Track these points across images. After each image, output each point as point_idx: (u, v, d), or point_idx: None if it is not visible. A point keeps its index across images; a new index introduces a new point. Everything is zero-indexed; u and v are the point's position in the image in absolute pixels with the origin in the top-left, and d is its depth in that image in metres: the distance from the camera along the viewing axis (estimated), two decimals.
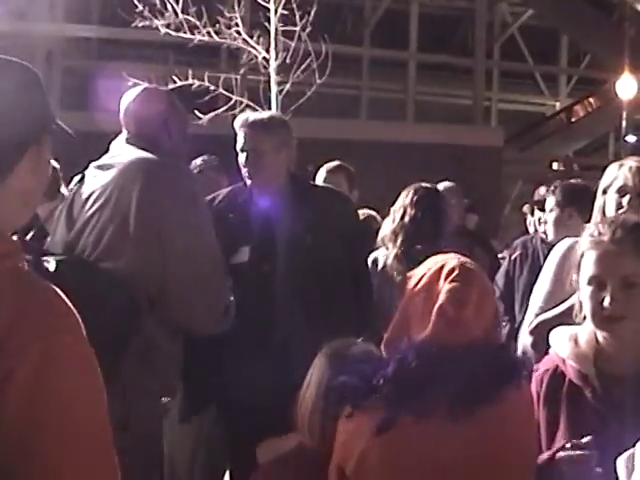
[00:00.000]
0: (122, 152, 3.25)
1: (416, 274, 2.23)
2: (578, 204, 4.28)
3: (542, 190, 5.43)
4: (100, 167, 3.26)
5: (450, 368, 2.02)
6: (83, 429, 1.30)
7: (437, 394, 2.01)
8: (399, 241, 3.93)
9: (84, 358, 1.32)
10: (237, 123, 3.62)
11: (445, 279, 2.13)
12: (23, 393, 1.24)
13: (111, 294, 2.90)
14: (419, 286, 2.17)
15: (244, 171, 3.61)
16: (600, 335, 2.19)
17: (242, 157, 3.59)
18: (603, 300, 2.11)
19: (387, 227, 4.03)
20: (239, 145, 3.61)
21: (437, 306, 2.08)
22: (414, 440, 2.01)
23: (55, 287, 1.35)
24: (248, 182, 3.64)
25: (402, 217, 3.97)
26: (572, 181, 4.64)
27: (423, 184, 4.18)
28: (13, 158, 1.40)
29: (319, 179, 4.79)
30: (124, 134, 3.32)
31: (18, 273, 1.36)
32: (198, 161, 4.75)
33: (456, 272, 2.13)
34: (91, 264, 3.04)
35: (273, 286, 3.51)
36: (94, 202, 3.14)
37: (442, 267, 2.17)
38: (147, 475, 3.11)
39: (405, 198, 4.04)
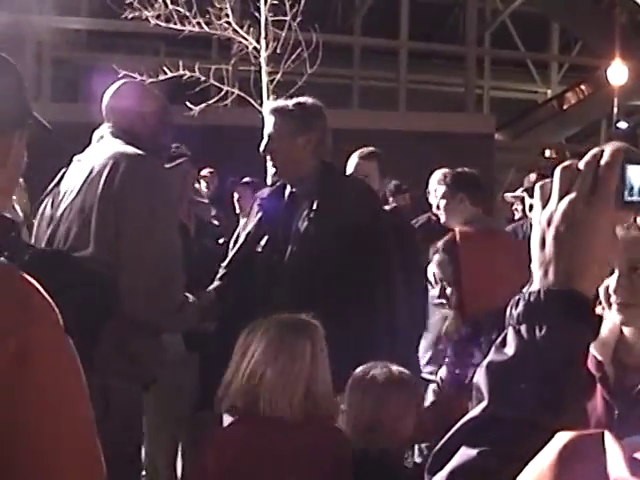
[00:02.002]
0: (101, 145, 3.29)
1: None
2: (468, 190, 4.60)
3: (532, 177, 5.44)
4: (81, 160, 3.30)
5: None
6: (65, 421, 1.28)
7: None
8: None
9: (61, 347, 1.30)
10: (264, 111, 3.57)
11: None
12: (1, 388, 1.21)
13: (81, 282, 2.93)
14: None
15: (267, 158, 3.55)
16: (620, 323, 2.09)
17: (262, 143, 3.52)
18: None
19: None
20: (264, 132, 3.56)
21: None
22: None
23: (28, 276, 1.33)
24: (272, 170, 3.56)
25: None
26: (460, 169, 4.80)
27: None
28: None
29: (350, 165, 4.58)
30: (106, 126, 3.34)
31: None
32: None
33: None
34: (62, 253, 3.08)
35: (279, 277, 3.47)
36: (68, 195, 3.19)
37: None
38: (128, 462, 3.13)
39: None
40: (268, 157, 3.52)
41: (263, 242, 3.55)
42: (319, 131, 3.52)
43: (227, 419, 2.66)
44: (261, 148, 3.52)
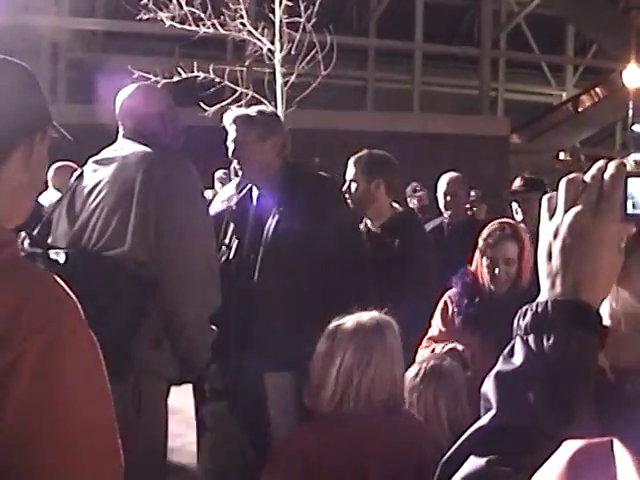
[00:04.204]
0: (122, 146, 3.30)
1: None
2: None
3: (518, 182, 5.31)
4: (100, 161, 3.31)
5: None
6: (89, 418, 1.31)
7: None
8: None
9: (86, 343, 1.34)
10: (225, 120, 3.74)
11: None
12: (29, 382, 1.24)
13: (118, 281, 2.95)
14: None
15: (234, 163, 3.72)
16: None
17: (230, 149, 3.70)
18: None
19: None
20: (228, 139, 3.71)
21: None
22: None
23: (65, 278, 1.37)
24: (239, 174, 3.77)
25: None
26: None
27: None
28: (9, 147, 1.41)
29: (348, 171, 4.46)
30: (121, 130, 3.37)
31: (16, 262, 1.37)
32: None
33: None
34: (97, 253, 3.09)
35: (256, 277, 3.60)
36: (97, 195, 3.20)
37: None
38: (154, 458, 3.15)
39: None
40: (236, 162, 3.72)
41: (237, 244, 3.72)
42: (282, 135, 3.80)
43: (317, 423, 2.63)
44: (230, 154, 3.70)
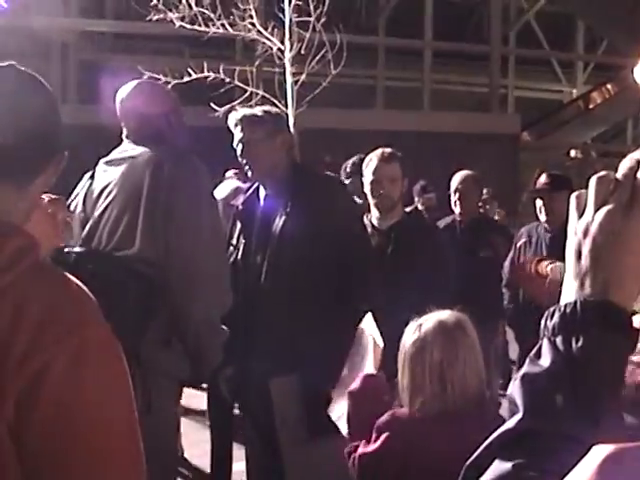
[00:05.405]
0: (131, 147, 3.29)
1: None
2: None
3: (543, 178, 5.28)
4: (110, 162, 3.31)
5: None
6: (115, 418, 1.33)
7: None
8: None
9: (113, 347, 1.36)
10: (231, 121, 3.71)
11: None
12: (60, 385, 1.26)
13: (127, 281, 2.95)
14: None
15: (243, 163, 3.69)
16: None
17: (238, 149, 3.66)
18: None
19: None
20: (235, 139, 3.67)
21: None
22: None
23: (75, 278, 1.38)
24: (249, 174, 3.74)
25: None
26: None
27: None
28: (43, 166, 1.44)
29: (370, 167, 4.24)
30: (124, 131, 3.35)
31: (42, 267, 1.38)
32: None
33: None
34: (107, 254, 3.10)
35: (262, 278, 3.61)
36: (107, 196, 3.20)
37: None
38: (164, 459, 3.14)
39: None
40: (245, 161, 3.69)
41: (244, 245, 3.72)
42: (289, 134, 3.81)
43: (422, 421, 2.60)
44: (238, 154, 3.68)
